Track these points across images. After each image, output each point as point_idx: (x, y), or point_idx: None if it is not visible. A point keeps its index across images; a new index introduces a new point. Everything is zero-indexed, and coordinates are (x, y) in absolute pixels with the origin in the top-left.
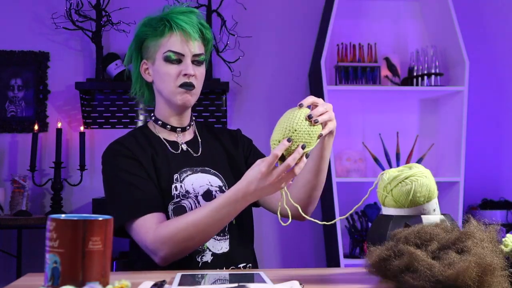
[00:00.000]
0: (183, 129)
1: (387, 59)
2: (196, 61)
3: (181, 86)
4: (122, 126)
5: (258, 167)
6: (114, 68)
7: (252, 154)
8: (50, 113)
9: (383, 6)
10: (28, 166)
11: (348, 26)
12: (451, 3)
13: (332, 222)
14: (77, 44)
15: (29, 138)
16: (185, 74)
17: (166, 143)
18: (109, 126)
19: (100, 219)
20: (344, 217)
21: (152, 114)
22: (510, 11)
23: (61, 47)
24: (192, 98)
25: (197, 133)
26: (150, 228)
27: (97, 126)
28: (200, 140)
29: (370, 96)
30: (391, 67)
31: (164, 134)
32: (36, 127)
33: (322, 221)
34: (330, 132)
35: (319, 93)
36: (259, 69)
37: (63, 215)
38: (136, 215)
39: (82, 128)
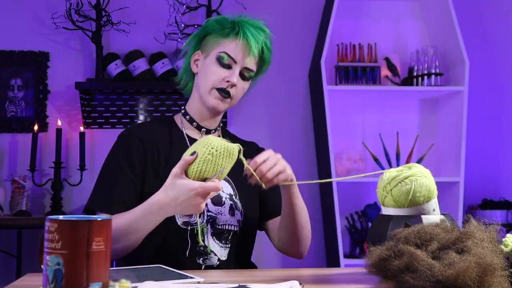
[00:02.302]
0: (208, 131)
1: (387, 59)
2: (243, 75)
3: (218, 90)
4: (122, 126)
5: (188, 181)
6: (114, 68)
7: None
8: (50, 113)
9: (383, 6)
10: (28, 166)
11: (348, 26)
12: (451, 3)
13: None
14: (77, 44)
15: (29, 138)
16: (228, 81)
17: (187, 139)
18: (109, 126)
19: (102, 219)
20: (342, 178)
21: (183, 107)
22: (510, 11)
23: (61, 47)
24: (224, 105)
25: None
26: None
27: (97, 126)
28: None
29: (370, 96)
30: (391, 67)
31: (188, 131)
32: (36, 127)
33: (323, 223)
34: (291, 180)
35: (319, 93)
36: None
37: (61, 216)
38: (107, 210)
39: (82, 128)
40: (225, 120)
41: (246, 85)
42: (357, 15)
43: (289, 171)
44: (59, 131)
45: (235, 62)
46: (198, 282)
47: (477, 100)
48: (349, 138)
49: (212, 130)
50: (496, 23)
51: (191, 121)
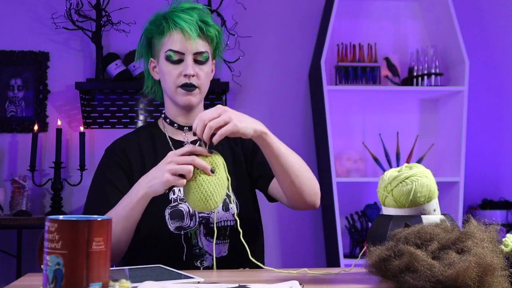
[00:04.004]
0: (191, 128)
1: (387, 59)
2: (198, 60)
3: (181, 87)
4: (122, 126)
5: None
6: (114, 68)
7: (255, 153)
8: (50, 113)
9: (383, 6)
10: (28, 166)
11: (348, 26)
12: (451, 3)
13: None
14: (77, 44)
15: (29, 138)
16: (185, 75)
17: (170, 142)
18: (109, 126)
19: (103, 219)
20: None
21: (163, 111)
22: (510, 11)
23: (61, 47)
24: (194, 98)
25: None
26: None
27: (97, 126)
28: None
29: (370, 96)
30: (391, 67)
31: (171, 133)
32: (36, 127)
33: (323, 223)
34: (259, 136)
35: (319, 93)
36: (259, 69)
37: (61, 216)
38: None
39: (82, 128)
40: None
41: (206, 68)
42: (357, 15)
43: (235, 122)
44: (59, 131)
45: (183, 54)
46: (198, 282)
47: (477, 100)
48: (349, 138)
49: None
50: (496, 23)
51: (171, 123)
